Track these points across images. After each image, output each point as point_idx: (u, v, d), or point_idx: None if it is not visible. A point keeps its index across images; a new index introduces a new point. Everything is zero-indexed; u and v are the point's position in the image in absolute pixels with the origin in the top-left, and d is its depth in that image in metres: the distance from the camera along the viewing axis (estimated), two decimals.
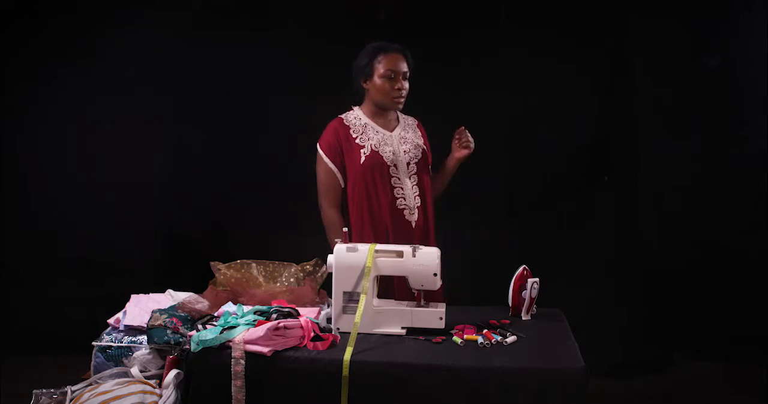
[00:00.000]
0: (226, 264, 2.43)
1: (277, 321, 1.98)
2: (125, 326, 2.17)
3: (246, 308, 2.16)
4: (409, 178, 2.61)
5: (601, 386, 3.42)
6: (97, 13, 3.89)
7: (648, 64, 3.94)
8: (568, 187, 3.98)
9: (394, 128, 2.66)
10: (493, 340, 2.04)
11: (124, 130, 3.93)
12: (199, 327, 2.07)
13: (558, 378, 1.84)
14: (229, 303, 2.28)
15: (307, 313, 2.15)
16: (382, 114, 2.65)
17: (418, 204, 2.62)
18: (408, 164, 2.62)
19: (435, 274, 2.13)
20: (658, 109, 3.99)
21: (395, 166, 2.59)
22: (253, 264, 2.44)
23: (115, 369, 2.08)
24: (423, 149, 2.68)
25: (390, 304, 2.20)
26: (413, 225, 2.60)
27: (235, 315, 2.09)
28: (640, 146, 3.98)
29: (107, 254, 3.97)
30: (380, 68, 2.55)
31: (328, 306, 2.32)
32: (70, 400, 1.98)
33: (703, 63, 3.95)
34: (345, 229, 2.25)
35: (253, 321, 2.02)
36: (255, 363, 1.91)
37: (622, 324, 3.89)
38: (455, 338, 2.07)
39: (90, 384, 2.04)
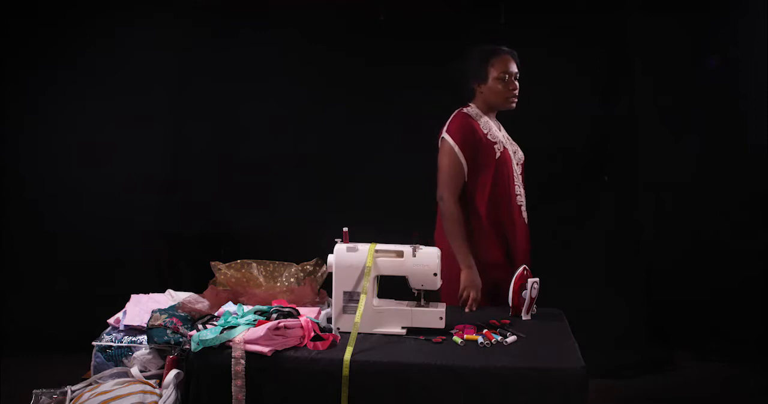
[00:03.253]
0: (226, 264, 2.42)
1: (277, 321, 1.97)
2: (125, 326, 2.16)
3: (246, 308, 2.16)
4: (520, 176, 2.68)
5: (601, 386, 3.42)
6: (97, 13, 3.89)
7: (648, 64, 3.94)
8: (568, 186, 3.98)
9: (500, 128, 2.72)
10: (493, 340, 2.04)
11: (124, 130, 3.93)
12: (199, 327, 2.07)
13: (558, 378, 1.84)
14: (230, 303, 2.28)
15: (308, 313, 2.15)
16: (491, 115, 2.69)
17: (525, 202, 2.67)
18: (517, 164, 2.69)
19: (435, 274, 2.13)
20: (658, 109, 3.99)
21: (513, 164, 2.65)
22: (254, 264, 2.44)
23: (115, 369, 2.07)
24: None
25: (390, 304, 2.19)
26: (525, 221, 2.66)
27: (235, 315, 2.08)
28: (640, 146, 3.98)
29: (107, 254, 3.97)
30: (494, 71, 2.60)
31: (328, 306, 2.32)
32: (70, 400, 1.98)
33: (703, 63, 3.95)
34: (345, 229, 2.25)
35: (254, 320, 2.01)
36: (255, 363, 1.90)
37: (622, 324, 3.89)
38: (455, 338, 2.07)
39: (90, 384, 2.04)
